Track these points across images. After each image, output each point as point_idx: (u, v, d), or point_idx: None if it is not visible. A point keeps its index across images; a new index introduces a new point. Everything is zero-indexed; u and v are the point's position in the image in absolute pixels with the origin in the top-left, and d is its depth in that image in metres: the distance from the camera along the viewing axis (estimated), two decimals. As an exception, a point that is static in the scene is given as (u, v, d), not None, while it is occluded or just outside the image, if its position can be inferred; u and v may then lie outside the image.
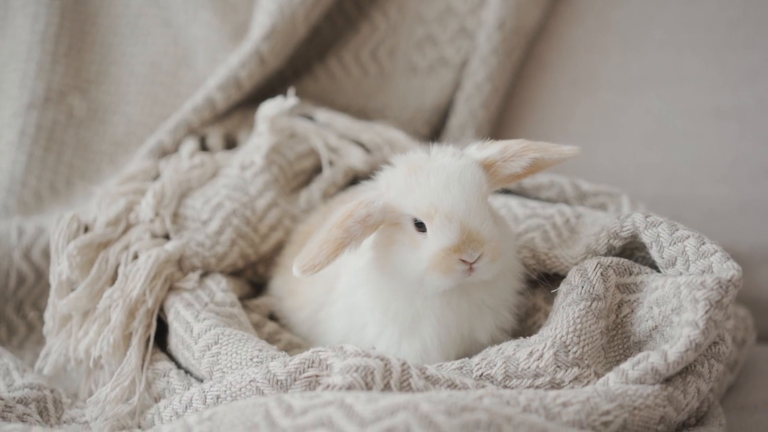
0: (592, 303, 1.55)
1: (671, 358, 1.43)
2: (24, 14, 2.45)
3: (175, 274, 1.83)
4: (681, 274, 1.54)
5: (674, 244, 1.56)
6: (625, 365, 1.45)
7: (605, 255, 1.65)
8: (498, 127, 2.40)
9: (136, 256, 1.83)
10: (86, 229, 1.87)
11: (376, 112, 2.36)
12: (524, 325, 1.76)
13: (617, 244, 1.65)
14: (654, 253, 1.59)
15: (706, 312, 1.43)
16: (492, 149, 1.62)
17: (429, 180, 1.56)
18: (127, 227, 1.89)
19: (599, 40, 2.39)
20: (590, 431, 1.36)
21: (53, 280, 1.81)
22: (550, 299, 1.74)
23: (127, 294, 1.76)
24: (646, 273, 1.60)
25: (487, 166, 1.61)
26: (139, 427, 1.66)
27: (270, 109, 2.04)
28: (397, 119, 2.33)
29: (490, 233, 1.55)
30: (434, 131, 2.38)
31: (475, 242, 1.54)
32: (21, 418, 1.63)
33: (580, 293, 1.56)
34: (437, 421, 1.23)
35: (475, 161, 1.60)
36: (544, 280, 1.73)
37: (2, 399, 1.65)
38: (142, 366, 1.72)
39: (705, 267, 1.52)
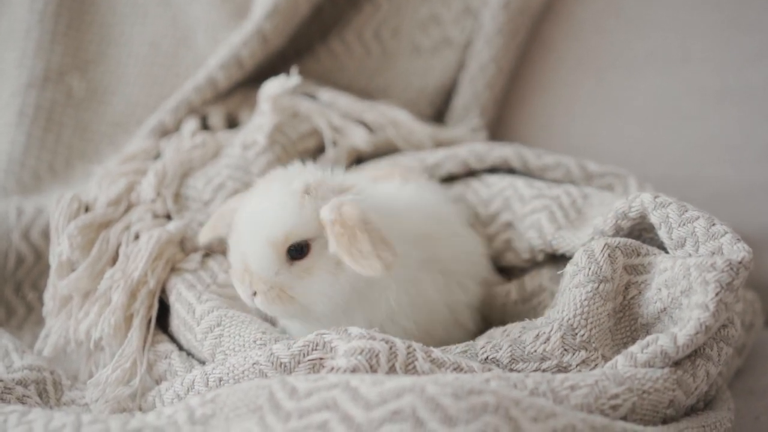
0: (599, 285, 1.52)
1: (681, 341, 1.40)
2: (23, -8, 2.43)
3: (177, 254, 1.81)
4: (690, 255, 1.52)
5: (684, 225, 1.54)
6: (634, 348, 1.43)
7: (613, 236, 1.62)
8: (502, 108, 2.38)
9: (137, 237, 1.81)
10: (87, 209, 1.86)
11: (379, 92, 2.33)
12: (529, 305, 1.74)
13: (625, 224, 1.62)
14: (663, 234, 1.56)
15: (717, 294, 1.40)
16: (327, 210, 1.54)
17: (257, 198, 1.60)
18: (128, 207, 1.87)
19: (605, 20, 2.37)
20: (599, 415, 1.33)
21: (53, 261, 1.79)
22: (555, 279, 1.72)
23: (128, 275, 1.75)
24: (655, 254, 1.57)
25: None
26: (140, 409, 1.64)
27: (272, 88, 2.02)
28: (400, 99, 2.31)
29: (267, 279, 1.56)
30: (438, 112, 2.36)
31: (249, 277, 1.57)
32: (20, 400, 1.61)
33: (587, 275, 1.53)
34: (444, 403, 1.21)
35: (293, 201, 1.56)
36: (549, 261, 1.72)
37: (1, 380, 1.64)
38: (144, 348, 1.70)
39: (715, 248, 1.49)
